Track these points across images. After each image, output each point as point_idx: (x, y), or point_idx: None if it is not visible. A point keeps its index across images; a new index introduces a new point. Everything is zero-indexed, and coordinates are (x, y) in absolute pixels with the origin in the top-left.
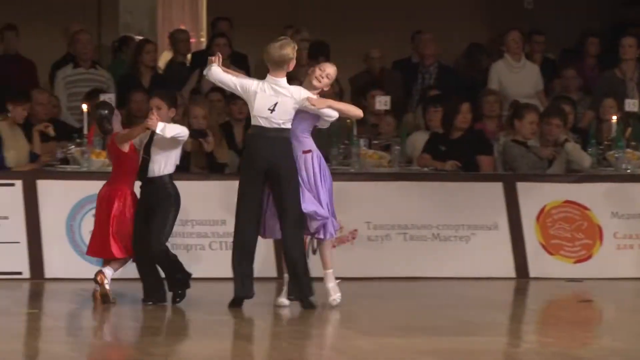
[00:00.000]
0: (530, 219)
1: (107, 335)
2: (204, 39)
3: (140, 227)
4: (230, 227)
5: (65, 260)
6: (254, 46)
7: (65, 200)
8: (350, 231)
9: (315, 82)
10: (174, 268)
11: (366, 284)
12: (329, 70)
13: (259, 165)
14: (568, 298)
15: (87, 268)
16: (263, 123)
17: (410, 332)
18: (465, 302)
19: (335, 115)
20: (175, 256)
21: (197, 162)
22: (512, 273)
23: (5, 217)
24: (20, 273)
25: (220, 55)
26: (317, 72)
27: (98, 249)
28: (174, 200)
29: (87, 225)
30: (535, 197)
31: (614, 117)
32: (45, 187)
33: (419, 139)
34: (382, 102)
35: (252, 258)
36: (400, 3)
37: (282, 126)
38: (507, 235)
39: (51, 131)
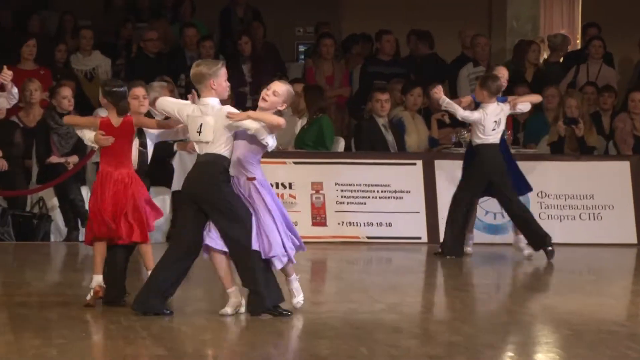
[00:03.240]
0: None
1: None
2: (578, 41)
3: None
4: (598, 200)
5: None
6: (619, 48)
7: (457, 177)
8: None
9: (261, 103)
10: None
11: None
12: (276, 87)
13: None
14: None
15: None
16: (197, 148)
17: None
18: None
19: (253, 126)
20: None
21: (570, 145)
22: None
23: (408, 192)
24: (419, 238)
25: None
26: (264, 91)
27: None
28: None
29: None
30: None
31: None
32: (441, 166)
33: None
34: None
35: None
36: None
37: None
38: None
39: (446, 119)
